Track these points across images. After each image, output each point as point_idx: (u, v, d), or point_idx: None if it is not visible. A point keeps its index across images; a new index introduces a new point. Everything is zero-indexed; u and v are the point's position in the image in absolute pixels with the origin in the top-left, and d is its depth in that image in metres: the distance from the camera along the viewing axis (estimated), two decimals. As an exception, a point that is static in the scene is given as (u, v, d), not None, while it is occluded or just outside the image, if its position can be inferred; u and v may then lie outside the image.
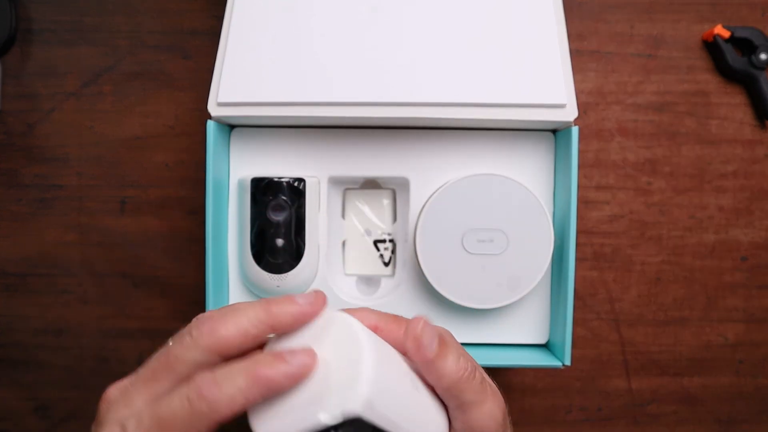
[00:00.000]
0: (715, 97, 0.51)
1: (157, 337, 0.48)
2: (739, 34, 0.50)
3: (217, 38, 0.41)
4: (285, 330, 0.26)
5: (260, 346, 0.27)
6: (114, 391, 0.27)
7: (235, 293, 0.44)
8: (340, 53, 0.40)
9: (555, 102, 0.40)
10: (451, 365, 0.27)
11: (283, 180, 0.41)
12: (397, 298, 0.44)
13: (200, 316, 0.26)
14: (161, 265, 0.51)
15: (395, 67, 0.40)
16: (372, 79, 0.40)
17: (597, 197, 0.51)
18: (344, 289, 0.45)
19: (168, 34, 0.51)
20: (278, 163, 0.44)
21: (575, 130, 0.40)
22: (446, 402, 0.28)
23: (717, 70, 0.52)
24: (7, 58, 0.51)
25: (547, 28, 0.41)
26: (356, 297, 0.45)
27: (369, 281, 0.46)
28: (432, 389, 0.28)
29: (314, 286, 0.44)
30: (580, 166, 0.51)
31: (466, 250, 0.41)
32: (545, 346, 0.45)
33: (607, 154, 0.51)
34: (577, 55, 0.51)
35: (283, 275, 0.42)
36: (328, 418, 0.23)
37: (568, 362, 0.40)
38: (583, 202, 0.51)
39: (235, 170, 0.44)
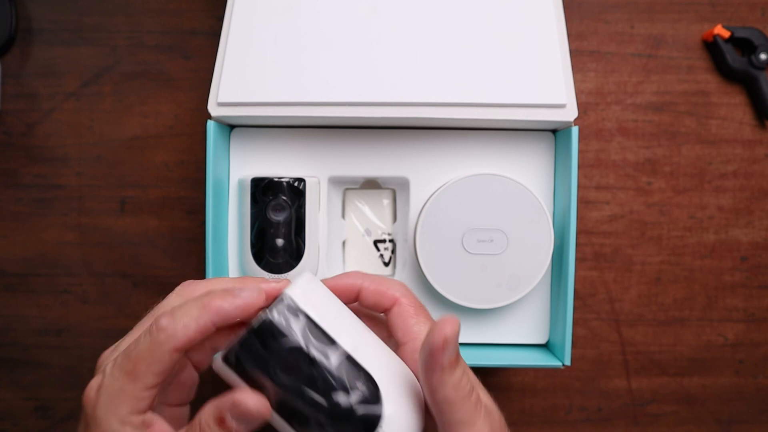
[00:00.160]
0: (715, 97, 0.51)
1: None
2: (739, 34, 0.50)
3: (217, 38, 0.41)
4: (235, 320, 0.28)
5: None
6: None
7: (235, 293, 0.44)
8: (340, 53, 0.40)
9: (555, 102, 0.40)
10: (454, 381, 0.26)
11: (283, 180, 0.41)
12: (397, 298, 0.44)
13: (158, 315, 0.27)
14: (161, 264, 0.51)
15: (395, 67, 0.40)
16: (372, 79, 0.40)
17: (597, 197, 0.51)
18: (344, 289, 0.45)
19: (168, 34, 0.51)
20: (278, 163, 0.44)
21: (575, 130, 0.40)
22: (433, 411, 0.27)
23: (717, 70, 0.52)
24: (7, 58, 0.51)
25: (547, 28, 0.41)
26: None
27: (369, 281, 0.46)
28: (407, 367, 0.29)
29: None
30: (580, 166, 0.51)
31: (466, 250, 0.41)
32: (545, 346, 0.45)
33: (607, 154, 0.51)
34: (577, 55, 0.51)
35: (283, 275, 0.42)
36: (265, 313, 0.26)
37: (568, 362, 0.40)
38: (583, 202, 0.51)
39: (235, 170, 0.44)
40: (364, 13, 0.41)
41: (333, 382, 0.26)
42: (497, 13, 0.41)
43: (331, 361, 0.26)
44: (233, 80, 0.40)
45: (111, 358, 0.28)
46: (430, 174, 0.43)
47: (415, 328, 0.29)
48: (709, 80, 0.52)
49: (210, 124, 0.40)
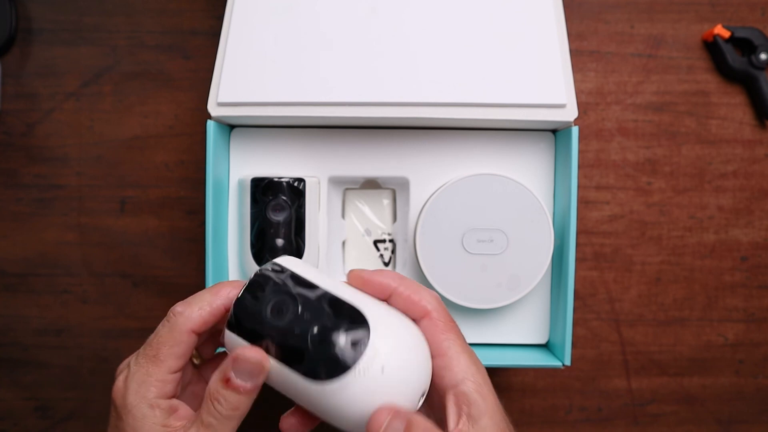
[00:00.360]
0: (715, 97, 0.51)
1: (157, 337, 0.48)
2: (739, 34, 0.50)
3: (217, 38, 0.41)
4: None
5: None
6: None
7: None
8: (340, 53, 0.40)
9: (555, 102, 0.40)
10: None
11: (283, 180, 0.41)
12: (397, 298, 0.44)
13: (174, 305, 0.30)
14: (161, 264, 0.51)
15: (395, 67, 0.40)
16: (372, 80, 0.40)
17: (597, 197, 0.51)
18: (344, 289, 0.45)
19: (168, 34, 0.51)
20: (278, 163, 0.44)
21: (575, 130, 0.40)
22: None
23: (717, 70, 0.52)
24: (7, 58, 0.51)
25: (547, 28, 0.41)
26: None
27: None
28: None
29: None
30: (580, 166, 0.51)
31: (466, 250, 0.41)
32: (545, 346, 0.45)
33: (607, 154, 0.51)
34: (577, 55, 0.51)
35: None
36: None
37: (568, 362, 0.40)
38: (583, 202, 0.51)
39: (235, 170, 0.44)
40: (364, 13, 0.41)
41: (319, 312, 0.28)
42: (497, 13, 0.41)
43: (316, 294, 0.28)
44: (233, 80, 0.40)
45: (124, 365, 0.30)
46: (430, 174, 0.43)
47: (444, 344, 0.30)
48: (709, 80, 0.52)
49: (210, 124, 0.40)
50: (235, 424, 0.28)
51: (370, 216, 0.46)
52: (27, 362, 0.52)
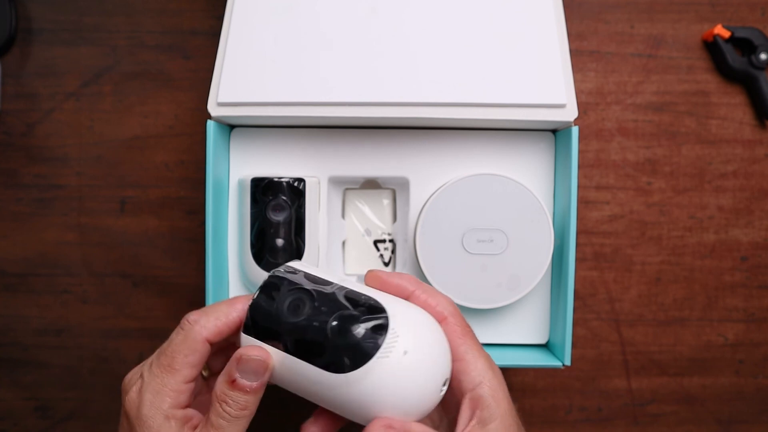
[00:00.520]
0: (715, 97, 0.51)
1: (156, 337, 0.48)
2: (739, 34, 0.50)
3: (217, 38, 0.41)
4: None
5: None
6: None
7: (235, 293, 0.44)
8: (340, 53, 0.40)
9: (555, 102, 0.40)
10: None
11: (283, 180, 0.41)
12: (397, 298, 0.44)
13: (187, 315, 0.30)
14: (161, 264, 0.51)
15: (395, 67, 0.40)
16: (372, 79, 0.40)
17: (597, 197, 0.51)
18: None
19: (168, 34, 0.51)
20: (278, 163, 0.44)
21: (575, 130, 0.40)
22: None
23: (717, 70, 0.52)
24: (7, 58, 0.51)
25: (547, 28, 0.41)
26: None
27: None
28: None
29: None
30: (580, 166, 0.51)
31: (466, 250, 0.41)
32: (545, 346, 0.45)
33: (607, 154, 0.51)
34: (577, 55, 0.51)
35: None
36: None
37: (568, 362, 0.40)
38: (583, 202, 0.51)
39: (235, 170, 0.44)
40: (364, 13, 0.41)
41: (337, 304, 0.28)
42: (497, 13, 0.41)
43: (332, 289, 0.29)
44: (233, 80, 0.40)
45: (136, 376, 0.30)
46: (430, 174, 0.43)
47: (461, 348, 0.30)
48: (709, 80, 0.52)
49: (210, 124, 0.40)
50: (244, 423, 0.28)
51: (370, 216, 0.46)
52: (27, 362, 0.52)
